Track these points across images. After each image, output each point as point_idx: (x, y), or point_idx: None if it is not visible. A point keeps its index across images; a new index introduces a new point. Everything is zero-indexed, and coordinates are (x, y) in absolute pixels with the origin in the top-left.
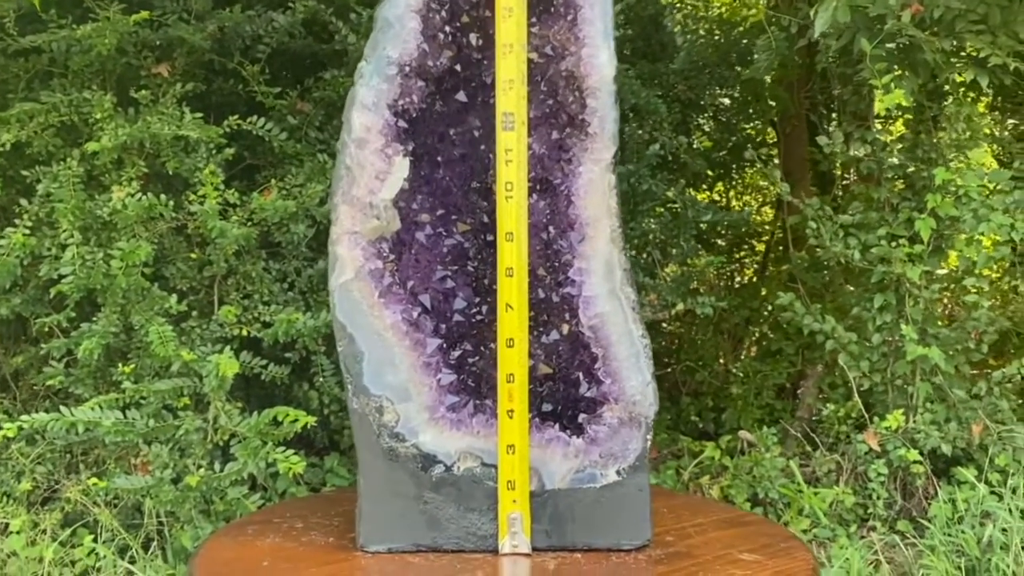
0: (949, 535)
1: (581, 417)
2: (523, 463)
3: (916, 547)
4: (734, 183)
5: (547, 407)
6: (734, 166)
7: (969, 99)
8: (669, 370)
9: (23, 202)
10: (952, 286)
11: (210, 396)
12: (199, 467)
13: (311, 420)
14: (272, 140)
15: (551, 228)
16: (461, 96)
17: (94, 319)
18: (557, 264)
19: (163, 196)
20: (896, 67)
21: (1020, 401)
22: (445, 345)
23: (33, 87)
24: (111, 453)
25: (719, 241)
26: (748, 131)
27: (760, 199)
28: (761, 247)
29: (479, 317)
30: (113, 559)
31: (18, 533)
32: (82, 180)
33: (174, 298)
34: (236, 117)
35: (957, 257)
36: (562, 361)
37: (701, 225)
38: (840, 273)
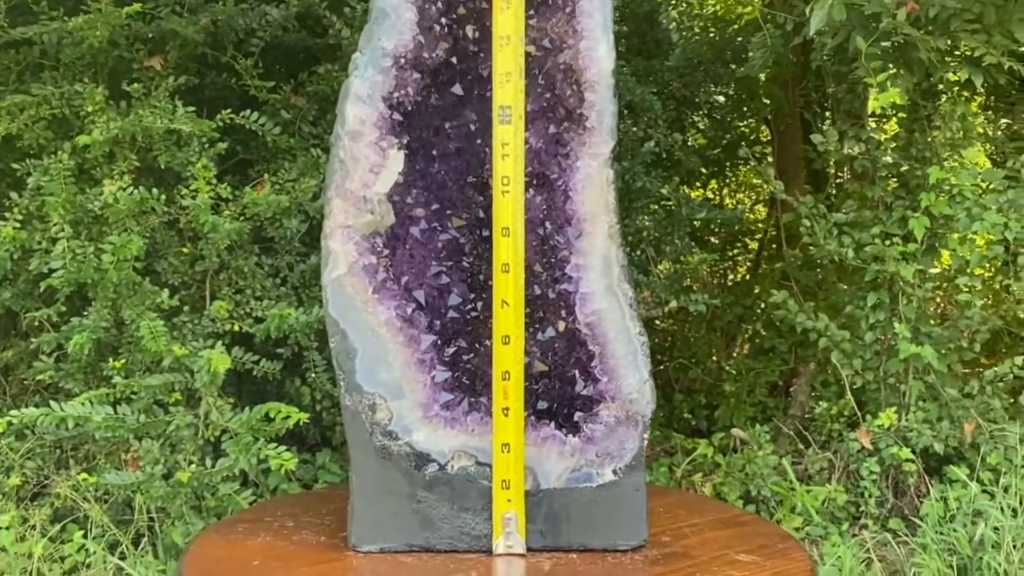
0: (941, 533)
1: (577, 415)
2: (518, 462)
3: (908, 545)
4: (728, 181)
5: (543, 405)
6: (728, 164)
7: (963, 98)
8: (662, 367)
9: (13, 195)
10: (945, 285)
11: (201, 392)
12: (190, 463)
13: (303, 416)
14: (265, 134)
15: (548, 224)
16: (457, 89)
17: (85, 313)
18: (554, 260)
19: (155, 190)
20: (891, 66)
21: (1012, 400)
22: (439, 342)
23: (24, 79)
24: (101, 448)
25: (712, 239)
26: (742, 129)
27: (753, 197)
28: (754, 245)
29: (474, 314)
30: (103, 555)
31: (7, 528)
32: (73, 173)
33: (166, 293)
34: (229, 111)
35: (950, 256)
36: (558, 358)
37: (695, 222)
38: (833, 271)
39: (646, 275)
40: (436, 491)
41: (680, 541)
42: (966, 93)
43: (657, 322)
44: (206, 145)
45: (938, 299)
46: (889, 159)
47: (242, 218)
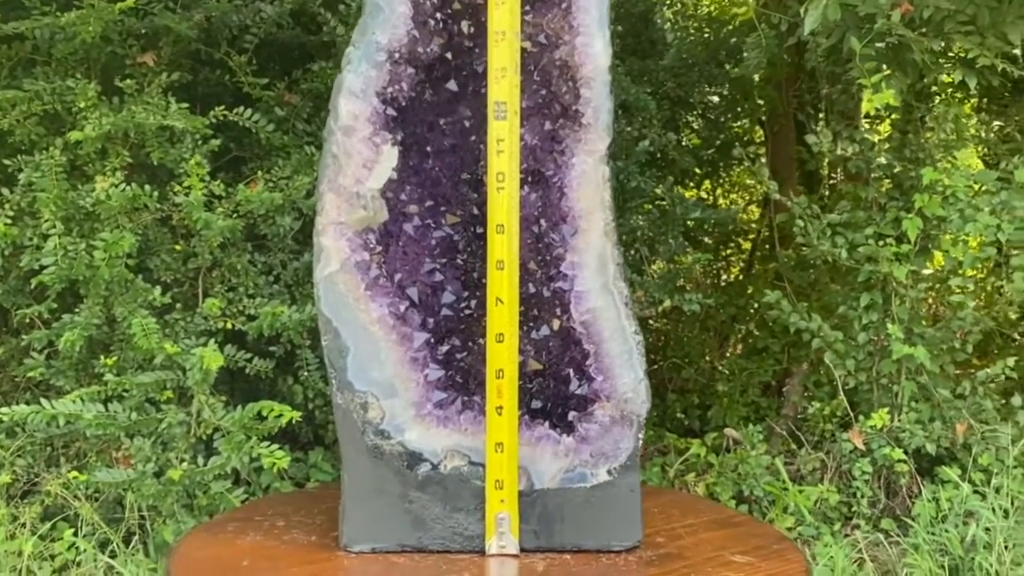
0: (933, 534)
1: (572, 415)
2: (512, 462)
3: (900, 545)
4: (721, 181)
5: (536, 404)
6: (722, 164)
7: (956, 100)
8: (655, 367)
9: (5, 191)
10: (938, 286)
11: (194, 389)
12: (182, 461)
13: (296, 415)
14: (259, 132)
15: (543, 221)
16: (452, 85)
17: (76, 310)
18: (549, 258)
19: (147, 187)
20: (885, 67)
21: (1003, 401)
22: (433, 340)
23: (16, 75)
24: (92, 446)
25: (706, 239)
26: (736, 129)
27: (747, 197)
28: (748, 245)
29: (468, 312)
30: (93, 553)
31: None
32: (65, 170)
33: (158, 290)
34: (222, 108)
35: (943, 257)
36: (552, 357)
37: (689, 222)
38: (826, 272)
39: (640, 275)
40: (429, 491)
41: (675, 542)
42: (959, 95)
43: (651, 322)
44: (199, 142)
45: (931, 300)
46: (883, 160)
47: (235, 215)
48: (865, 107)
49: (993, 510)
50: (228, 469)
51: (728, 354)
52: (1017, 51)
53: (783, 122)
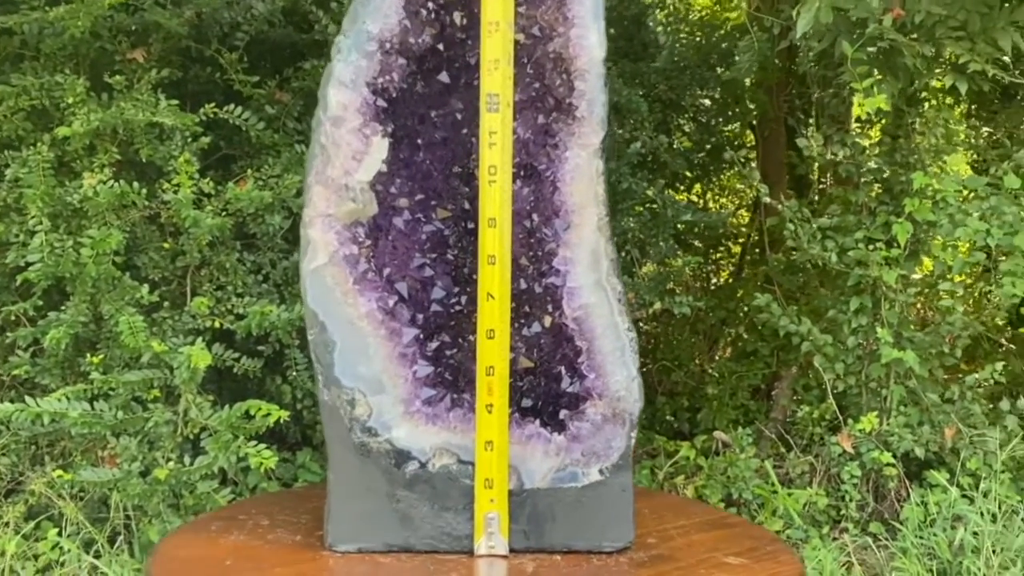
0: (921, 537)
1: (563, 413)
2: (502, 460)
3: (888, 549)
4: (712, 185)
5: (527, 402)
6: (712, 168)
7: (947, 105)
8: (645, 369)
9: None
10: (927, 290)
11: (181, 388)
12: (168, 460)
13: (284, 414)
14: (249, 130)
15: (535, 215)
16: (443, 77)
17: (62, 308)
18: (541, 253)
19: (136, 184)
20: (876, 71)
21: (991, 406)
22: (422, 336)
23: (3, 70)
24: (78, 445)
25: (696, 242)
26: (727, 133)
27: (737, 201)
28: (737, 249)
29: (458, 307)
30: (78, 553)
31: None
32: (52, 166)
33: (145, 288)
34: (212, 105)
35: (933, 262)
36: (544, 354)
37: (679, 225)
38: (816, 276)
39: (631, 277)
40: (416, 489)
41: (666, 543)
42: (950, 100)
43: (641, 324)
44: (189, 139)
45: (920, 304)
46: (873, 164)
47: (224, 214)
48: (856, 111)
49: (981, 514)
50: (215, 469)
51: (718, 357)
52: (1007, 57)
53: (774, 126)
